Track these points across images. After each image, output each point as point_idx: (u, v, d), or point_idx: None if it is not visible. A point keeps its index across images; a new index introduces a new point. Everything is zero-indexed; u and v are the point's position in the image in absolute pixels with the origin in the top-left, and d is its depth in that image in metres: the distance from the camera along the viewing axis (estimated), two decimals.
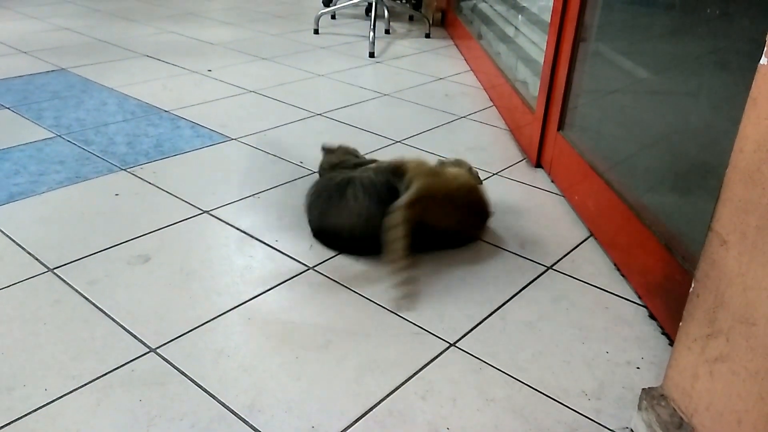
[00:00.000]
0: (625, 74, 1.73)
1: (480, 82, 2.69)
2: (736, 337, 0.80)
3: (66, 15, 3.64)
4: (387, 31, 3.53)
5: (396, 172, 1.43)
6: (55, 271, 1.30)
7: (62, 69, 2.63)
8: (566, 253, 1.44)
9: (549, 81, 1.81)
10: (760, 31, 0.76)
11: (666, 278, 1.20)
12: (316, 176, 1.76)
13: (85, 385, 1.02)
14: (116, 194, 1.62)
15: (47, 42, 3.04)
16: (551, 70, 1.79)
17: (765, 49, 0.75)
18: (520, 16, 2.83)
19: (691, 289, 0.88)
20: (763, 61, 0.75)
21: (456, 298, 1.27)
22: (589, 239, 1.50)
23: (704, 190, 1.25)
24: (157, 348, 1.10)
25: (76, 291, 1.24)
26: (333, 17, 3.85)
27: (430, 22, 3.56)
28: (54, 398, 0.99)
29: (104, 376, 1.03)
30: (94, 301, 1.22)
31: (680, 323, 0.90)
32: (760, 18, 1.19)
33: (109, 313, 1.18)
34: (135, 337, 1.13)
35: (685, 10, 1.56)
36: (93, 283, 1.27)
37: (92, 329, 1.14)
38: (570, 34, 1.70)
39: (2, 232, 1.43)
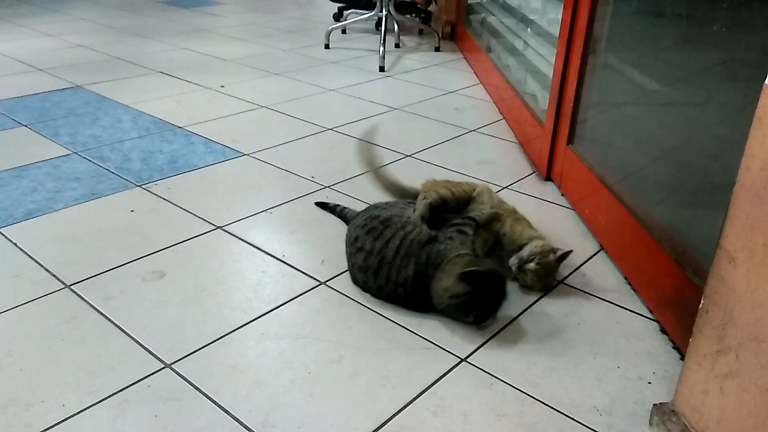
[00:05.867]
0: (635, 86, 1.74)
1: (489, 95, 2.71)
2: (746, 354, 0.80)
3: (81, 32, 3.71)
4: (397, 45, 3.56)
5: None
6: (71, 287, 1.33)
7: (78, 86, 2.68)
8: (577, 267, 1.45)
9: (558, 94, 1.82)
10: None
11: (676, 292, 1.20)
12: (327, 191, 1.78)
13: (102, 401, 1.04)
14: (131, 210, 1.65)
15: (63, 59, 3.09)
16: (560, 83, 1.81)
17: None
18: (528, 30, 2.85)
19: (700, 306, 0.88)
20: None
21: None
22: (600, 253, 1.51)
23: (714, 203, 1.25)
24: (172, 364, 1.12)
25: (93, 307, 1.27)
26: (343, 32, 3.88)
27: (440, 35, 3.59)
28: (72, 414, 1.01)
29: (120, 392, 1.05)
30: (110, 317, 1.24)
31: (690, 339, 0.91)
32: None
33: (125, 329, 1.20)
34: (150, 352, 1.14)
35: (694, 21, 1.57)
36: (109, 299, 1.29)
37: (108, 345, 1.16)
38: (579, 46, 1.71)
39: (20, 248, 1.46)
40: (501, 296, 1.22)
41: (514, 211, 1.48)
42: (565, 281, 1.40)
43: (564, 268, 1.42)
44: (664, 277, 1.25)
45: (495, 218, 1.40)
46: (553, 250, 1.35)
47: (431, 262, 1.24)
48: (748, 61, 1.26)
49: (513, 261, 1.34)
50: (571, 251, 1.37)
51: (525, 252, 1.33)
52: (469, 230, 1.33)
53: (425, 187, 1.52)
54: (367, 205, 1.52)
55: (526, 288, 1.36)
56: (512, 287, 1.37)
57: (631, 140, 1.70)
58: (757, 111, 0.78)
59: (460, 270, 1.18)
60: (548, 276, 1.35)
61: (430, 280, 1.23)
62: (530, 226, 1.45)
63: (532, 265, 1.32)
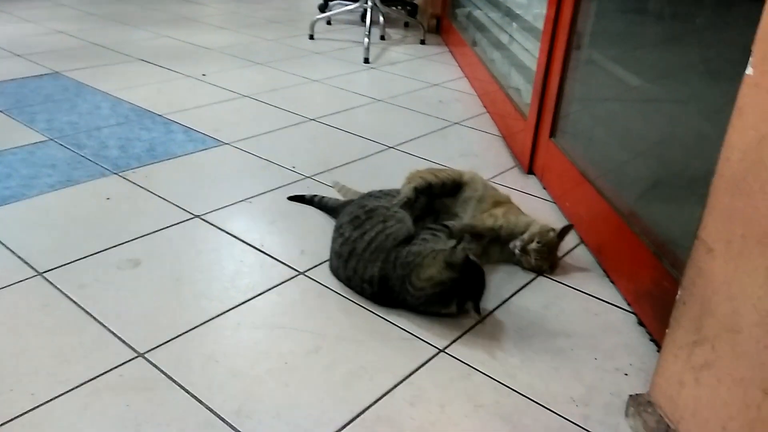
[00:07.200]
0: (618, 82, 1.74)
1: (474, 88, 2.70)
2: (722, 345, 0.80)
3: (61, 18, 3.64)
4: (382, 37, 3.54)
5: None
6: (44, 275, 1.30)
7: (56, 72, 2.63)
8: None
9: (541, 88, 1.81)
10: (751, 41, 0.76)
11: (655, 285, 1.20)
12: (308, 182, 1.77)
13: (73, 390, 1.01)
14: (107, 198, 1.62)
15: (42, 45, 3.03)
16: (543, 78, 1.80)
17: (751, 59, 0.76)
18: (514, 24, 2.85)
19: (677, 297, 0.88)
20: (748, 71, 0.76)
21: None
22: (580, 246, 1.51)
23: (694, 197, 1.26)
24: (146, 353, 1.10)
25: (65, 295, 1.24)
26: (328, 23, 3.86)
27: (425, 28, 3.57)
28: (40, 403, 0.98)
29: (91, 381, 1.03)
30: (83, 306, 1.21)
31: (667, 330, 0.91)
32: (750, 27, 1.20)
33: (97, 318, 1.18)
34: (123, 341, 1.12)
35: (677, 19, 1.57)
36: (82, 287, 1.27)
37: (81, 334, 1.14)
38: (562, 41, 1.71)
39: None
40: (483, 285, 1.22)
41: (508, 200, 1.50)
42: (544, 273, 1.39)
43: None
44: (642, 270, 1.25)
45: (470, 230, 1.40)
46: (553, 229, 1.39)
47: (400, 261, 1.21)
48: (730, 58, 1.26)
49: (516, 244, 1.38)
50: (571, 226, 1.41)
51: (526, 234, 1.38)
52: (442, 236, 1.31)
53: (410, 176, 1.51)
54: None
55: (532, 270, 1.39)
56: (491, 278, 1.36)
57: (613, 134, 1.70)
58: (737, 102, 0.78)
59: (445, 258, 1.17)
60: (551, 254, 1.38)
61: (399, 281, 1.21)
62: (522, 213, 1.47)
63: (534, 244, 1.35)
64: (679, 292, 0.88)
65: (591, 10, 1.70)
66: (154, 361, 1.08)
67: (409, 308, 1.23)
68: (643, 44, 1.69)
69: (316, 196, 1.61)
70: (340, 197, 1.62)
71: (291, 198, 1.65)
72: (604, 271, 1.41)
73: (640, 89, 1.66)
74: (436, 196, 1.46)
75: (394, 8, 3.84)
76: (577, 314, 1.26)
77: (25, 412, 0.96)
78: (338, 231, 1.34)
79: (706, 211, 0.83)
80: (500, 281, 1.36)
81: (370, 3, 3.31)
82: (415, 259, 1.20)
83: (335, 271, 1.33)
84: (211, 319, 1.19)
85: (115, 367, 1.06)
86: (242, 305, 1.24)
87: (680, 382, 0.88)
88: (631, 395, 0.97)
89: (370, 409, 1.00)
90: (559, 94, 1.75)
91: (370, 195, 1.47)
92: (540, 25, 1.94)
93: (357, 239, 1.27)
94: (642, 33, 1.69)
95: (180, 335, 1.15)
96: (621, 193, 1.44)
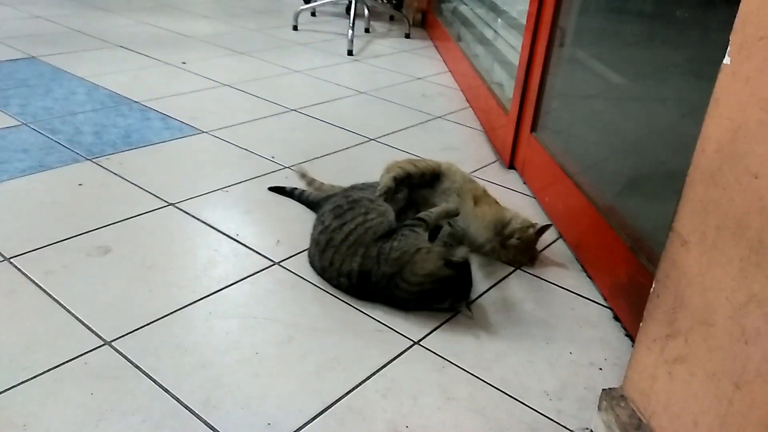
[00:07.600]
0: (599, 79, 1.74)
1: (457, 83, 2.69)
2: (695, 338, 0.80)
3: (40, 3, 3.56)
4: (367, 30, 3.51)
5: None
6: (11, 260, 1.26)
7: (32, 57, 2.57)
8: None
9: (523, 83, 1.80)
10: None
11: (630, 280, 1.20)
12: (287, 172, 1.74)
13: (36, 377, 0.98)
14: (80, 184, 1.58)
15: (19, 30, 2.97)
16: (525, 73, 1.79)
17: (728, 49, 0.75)
18: (499, 20, 2.84)
19: (651, 290, 0.87)
20: (726, 60, 0.75)
21: None
22: (558, 241, 1.50)
23: (671, 193, 1.25)
24: (113, 341, 1.07)
25: (32, 281, 1.21)
26: (313, 14, 3.82)
27: (411, 22, 3.55)
28: (2, 390, 0.95)
29: (56, 369, 1.00)
30: (50, 292, 1.18)
31: (640, 323, 0.90)
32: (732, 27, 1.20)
33: (64, 305, 1.15)
34: (90, 329, 1.09)
35: (659, 18, 1.57)
36: (50, 273, 1.23)
37: (46, 320, 1.11)
38: (544, 38, 1.70)
39: None
40: (471, 284, 1.23)
41: (485, 192, 1.49)
42: (522, 267, 1.38)
43: None
44: (619, 265, 1.25)
45: (445, 216, 1.38)
46: (532, 225, 1.39)
47: (384, 257, 1.19)
48: (713, 58, 1.26)
49: (495, 239, 1.37)
50: (550, 225, 1.42)
51: (506, 230, 1.37)
52: (420, 231, 1.28)
53: (389, 166, 1.49)
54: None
55: (509, 264, 1.39)
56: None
57: (593, 131, 1.70)
58: (714, 92, 0.77)
59: (443, 256, 1.18)
60: (529, 249, 1.39)
61: (385, 278, 1.18)
62: (501, 206, 1.46)
63: (513, 240, 1.36)
64: (653, 285, 0.87)
65: (573, 8, 1.70)
66: (120, 350, 1.05)
67: (392, 303, 1.21)
68: (625, 42, 1.68)
69: (296, 189, 1.59)
70: (309, 187, 1.60)
71: (272, 189, 1.62)
72: (582, 265, 1.40)
73: (621, 87, 1.66)
74: (414, 186, 1.45)
75: (379, 1, 3.82)
76: (554, 308, 1.26)
77: None
78: (320, 218, 1.32)
79: (681, 203, 0.82)
80: (478, 274, 1.35)
81: None
82: (403, 255, 1.18)
83: (312, 259, 1.31)
84: (181, 308, 1.17)
85: (81, 355, 1.03)
86: (214, 294, 1.22)
87: (653, 376, 0.87)
88: (604, 389, 0.96)
89: (341, 401, 0.99)
90: (540, 89, 1.74)
91: (354, 187, 1.45)
92: (524, 21, 1.93)
93: (336, 229, 1.25)
94: (624, 31, 1.69)
95: (149, 324, 1.12)
96: (600, 188, 1.44)
